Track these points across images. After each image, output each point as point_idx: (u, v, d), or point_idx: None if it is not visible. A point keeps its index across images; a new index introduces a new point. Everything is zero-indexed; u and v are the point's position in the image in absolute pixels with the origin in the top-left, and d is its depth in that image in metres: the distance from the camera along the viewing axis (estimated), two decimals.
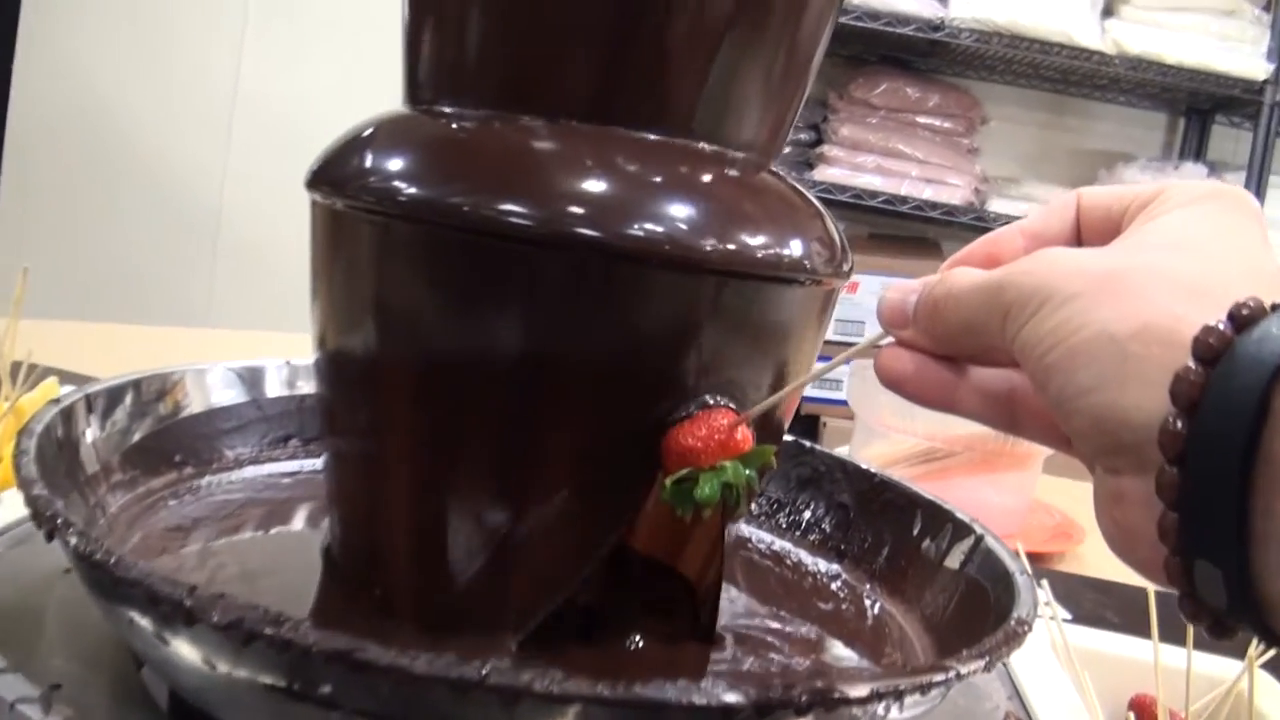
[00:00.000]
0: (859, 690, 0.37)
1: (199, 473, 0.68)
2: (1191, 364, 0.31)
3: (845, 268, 0.52)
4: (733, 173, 0.51)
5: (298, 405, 0.74)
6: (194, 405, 0.68)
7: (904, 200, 2.59)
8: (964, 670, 0.41)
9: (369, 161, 0.49)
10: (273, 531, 0.64)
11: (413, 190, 0.47)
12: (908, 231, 2.87)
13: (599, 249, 0.45)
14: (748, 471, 0.47)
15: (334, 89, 2.72)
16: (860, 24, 2.49)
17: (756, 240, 0.48)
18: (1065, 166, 2.98)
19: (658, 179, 0.48)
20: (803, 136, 2.75)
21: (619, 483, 0.49)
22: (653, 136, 0.49)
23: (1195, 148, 3.01)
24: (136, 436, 0.64)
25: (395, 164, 0.49)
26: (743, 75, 0.50)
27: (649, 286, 0.46)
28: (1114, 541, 0.36)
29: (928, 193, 2.62)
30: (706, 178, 0.49)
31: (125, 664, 0.49)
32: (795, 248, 0.49)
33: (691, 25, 0.48)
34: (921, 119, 2.69)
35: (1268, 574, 0.30)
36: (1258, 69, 2.56)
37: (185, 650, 0.41)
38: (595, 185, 0.47)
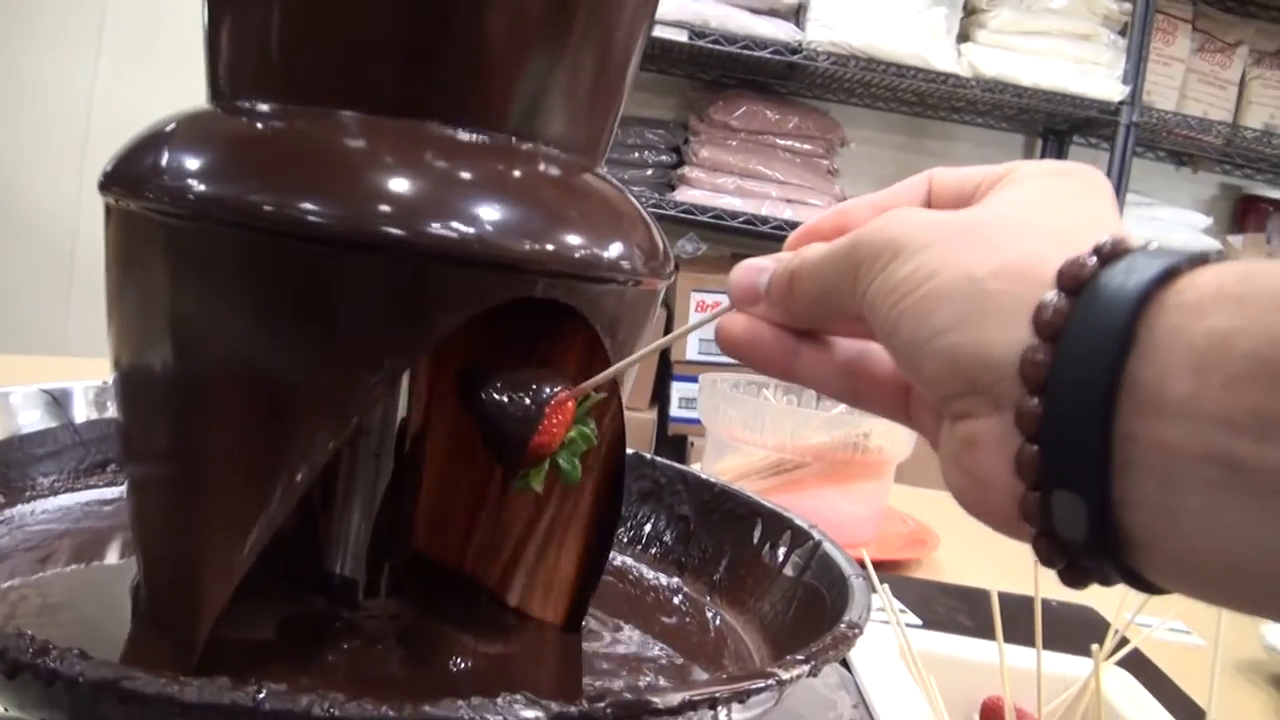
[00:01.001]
0: (670, 700, 0.35)
1: (10, 502, 0.64)
2: (1054, 294, 0.31)
3: (666, 269, 0.51)
4: (552, 172, 0.49)
5: (116, 426, 0.70)
6: None
7: (765, 220, 2.60)
8: (785, 676, 0.40)
9: (164, 160, 0.46)
10: (87, 564, 0.60)
11: (209, 189, 0.44)
12: (769, 251, 2.87)
13: (407, 249, 0.43)
14: (586, 428, 0.47)
15: None
16: (718, 47, 2.50)
17: (573, 240, 0.46)
18: None
19: (469, 177, 0.46)
20: (664, 158, 2.75)
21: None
22: (467, 134, 0.47)
23: None
24: None
25: (191, 162, 0.46)
26: (559, 70, 0.48)
27: (460, 288, 0.44)
28: (964, 494, 0.34)
29: (788, 213, 2.63)
30: (521, 176, 0.48)
31: None
32: (614, 249, 0.48)
33: (503, 16, 0.46)
34: (781, 141, 2.70)
35: (1128, 501, 0.29)
36: (1113, 91, 2.62)
37: None
38: (403, 183, 0.44)
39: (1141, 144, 2.90)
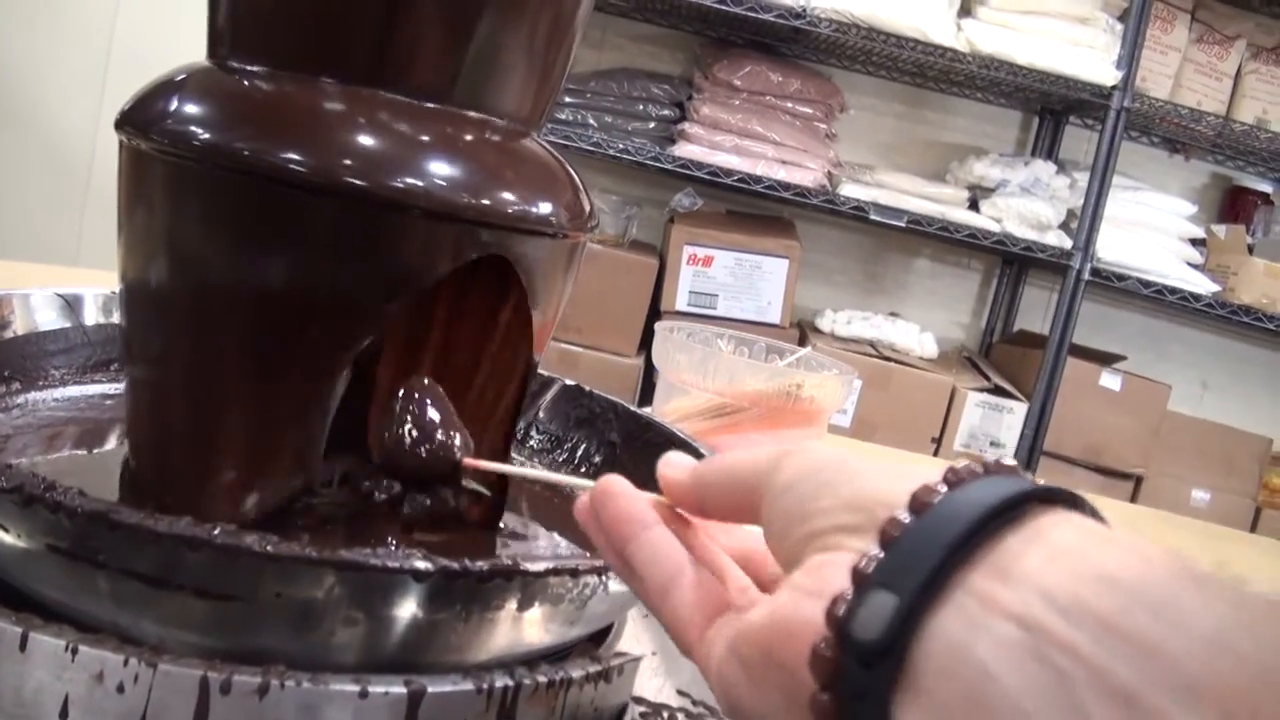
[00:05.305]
0: (537, 566, 0.45)
1: (25, 388, 0.74)
2: (970, 463, 0.36)
3: (590, 225, 0.60)
4: (494, 137, 0.58)
5: (120, 331, 0.80)
6: (19, 326, 0.74)
7: (759, 180, 2.68)
8: None
9: (171, 108, 0.55)
10: (89, 449, 0.70)
11: (206, 135, 0.53)
12: (763, 210, 2.97)
13: (365, 197, 0.52)
14: None
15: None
16: (724, 7, 2.57)
17: (509, 196, 0.55)
18: (919, 157, 3.10)
19: (424, 138, 0.55)
20: (666, 112, 2.82)
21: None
22: (424, 102, 0.56)
23: (1048, 146, 3.15)
24: None
25: (193, 111, 0.55)
26: (503, 49, 0.57)
27: (408, 233, 0.54)
28: (771, 624, 0.37)
29: (781, 174, 2.70)
30: (468, 140, 0.57)
31: None
32: (544, 206, 0.57)
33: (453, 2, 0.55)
34: (782, 103, 2.78)
35: (931, 633, 0.32)
36: (1106, 75, 2.68)
37: None
38: (366, 141, 0.54)
39: (1135, 129, 2.97)
